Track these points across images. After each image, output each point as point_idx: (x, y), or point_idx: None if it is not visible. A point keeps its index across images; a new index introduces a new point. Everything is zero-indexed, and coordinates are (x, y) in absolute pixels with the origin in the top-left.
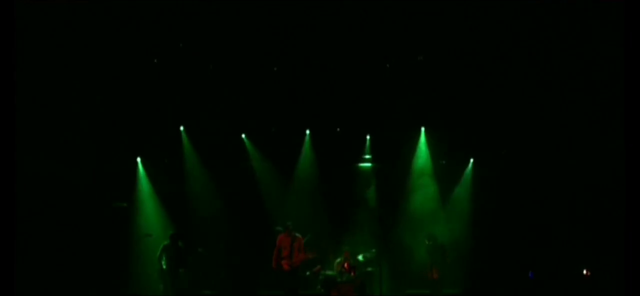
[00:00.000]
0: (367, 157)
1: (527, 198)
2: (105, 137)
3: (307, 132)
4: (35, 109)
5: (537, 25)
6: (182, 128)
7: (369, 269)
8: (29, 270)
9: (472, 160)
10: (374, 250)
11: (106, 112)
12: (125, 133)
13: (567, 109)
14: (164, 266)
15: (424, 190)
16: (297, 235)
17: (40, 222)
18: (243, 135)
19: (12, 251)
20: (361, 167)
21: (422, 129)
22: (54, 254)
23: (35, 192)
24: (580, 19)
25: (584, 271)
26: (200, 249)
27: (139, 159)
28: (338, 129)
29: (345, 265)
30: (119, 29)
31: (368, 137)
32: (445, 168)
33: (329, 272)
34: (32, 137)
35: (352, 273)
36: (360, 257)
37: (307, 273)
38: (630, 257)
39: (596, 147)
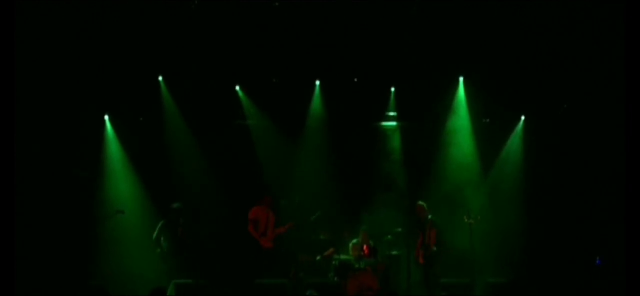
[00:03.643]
0: (392, 113)
1: (595, 167)
2: (64, 88)
3: (317, 83)
4: None
5: None
6: (160, 78)
7: (394, 252)
8: None
9: (523, 118)
10: (399, 230)
11: (65, 56)
12: (90, 83)
13: None
14: (164, 248)
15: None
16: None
17: None
18: (237, 87)
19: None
20: (384, 125)
21: (461, 79)
22: None
23: None
24: None
25: None
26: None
27: (106, 117)
28: (355, 79)
29: (365, 248)
30: None
31: (392, 90)
32: (490, 128)
33: (345, 256)
34: None
35: (373, 258)
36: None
37: (318, 257)
38: None
39: None
